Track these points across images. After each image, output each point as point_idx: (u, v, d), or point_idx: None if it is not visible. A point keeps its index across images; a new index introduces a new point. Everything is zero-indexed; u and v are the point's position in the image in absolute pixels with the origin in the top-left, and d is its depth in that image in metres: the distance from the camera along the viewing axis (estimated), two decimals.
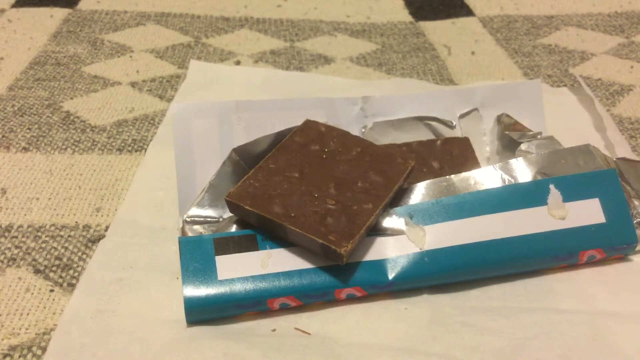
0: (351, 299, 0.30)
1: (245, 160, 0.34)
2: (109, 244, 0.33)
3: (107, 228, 0.34)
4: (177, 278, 0.31)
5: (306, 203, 0.29)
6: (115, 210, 0.36)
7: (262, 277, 0.28)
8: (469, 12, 0.64)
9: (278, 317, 0.29)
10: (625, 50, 0.56)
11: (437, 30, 0.60)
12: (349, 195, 0.29)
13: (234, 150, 0.34)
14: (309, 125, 0.33)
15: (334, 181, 0.30)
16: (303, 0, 0.65)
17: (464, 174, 0.33)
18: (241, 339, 0.27)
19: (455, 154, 0.36)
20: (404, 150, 0.36)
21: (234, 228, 0.31)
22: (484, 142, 0.40)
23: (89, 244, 0.34)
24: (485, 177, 0.33)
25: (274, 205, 0.29)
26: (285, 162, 0.31)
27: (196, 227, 0.32)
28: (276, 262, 0.29)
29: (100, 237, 0.34)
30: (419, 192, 0.32)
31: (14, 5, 0.62)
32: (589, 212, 0.31)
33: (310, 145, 0.32)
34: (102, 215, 0.36)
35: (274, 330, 0.28)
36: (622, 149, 0.38)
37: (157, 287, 0.30)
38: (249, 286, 0.28)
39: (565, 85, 0.49)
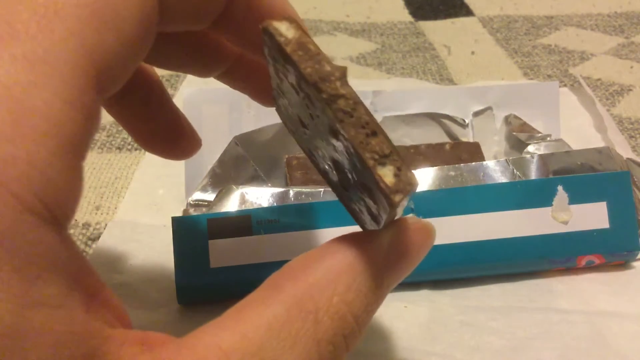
0: None
1: (247, 149, 0.34)
2: (109, 242, 0.33)
3: (106, 226, 0.34)
4: None
5: (318, 153, 0.21)
6: (115, 208, 0.36)
7: (254, 266, 0.28)
8: (468, 12, 0.64)
9: None
10: (625, 50, 0.55)
11: (437, 30, 0.60)
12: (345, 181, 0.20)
13: (236, 138, 0.34)
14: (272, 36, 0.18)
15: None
16: None
17: (474, 164, 0.32)
18: None
19: (464, 159, 0.35)
20: (412, 152, 0.35)
21: (226, 207, 0.31)
22: (495, 142, 0.39)
23: (89, 242, 0.33)
24: (496, 170, 0.32)
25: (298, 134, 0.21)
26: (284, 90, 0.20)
27: (198, 210, 0.32)
28: (269, 249, 0.29)
29: (100, 235, 0.34)
30: (426, 180, 0.32)
31: None
32: (593, 217, 0.30)
33: (288, 75, 0.19)
34: (101, 214, 0.36)
35: None
36: (623, 149, 0.38)
37: (156, 285, 0.30)
38: (241, 276, 0.28)
39: (565, 85, 0.49)
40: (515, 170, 0.33)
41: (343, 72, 0.16)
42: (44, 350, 0.12)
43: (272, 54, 0.18)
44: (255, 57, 0.22)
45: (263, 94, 0.24)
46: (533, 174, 0.33)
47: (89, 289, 0.14)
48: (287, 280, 0.16)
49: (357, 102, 0.16)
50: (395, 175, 0.16)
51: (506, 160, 0.33)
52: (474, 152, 0.36)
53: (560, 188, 0.31)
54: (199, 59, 0.23)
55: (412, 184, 0.16)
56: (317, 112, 0.17)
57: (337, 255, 0.17)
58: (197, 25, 0.19)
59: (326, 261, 0.17)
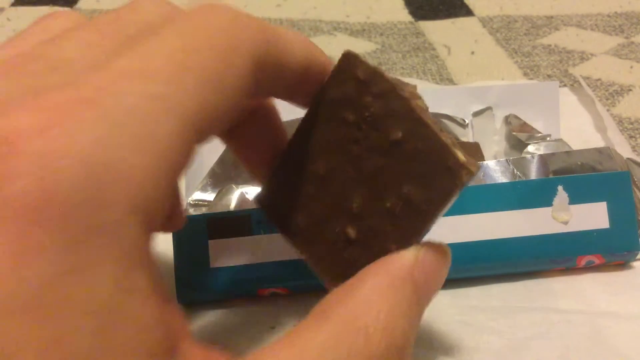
0: None
1: None
2: None
3: None
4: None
5: (325, 225, 0.21)
6: None
7: (254, 266, 0.28)
8: (468, 12, 0.64)
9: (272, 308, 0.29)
10: (625, 50, 0.56)
11: (437, 30, 0.60)
12: (375, 220, 0.20)
13: None
14: (347, 66, 0.21)
15: (361, 186, 0.21)
16: None
17: None
18: (239, 332, 0.27)
19: None
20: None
21: (226, 206, 0.31)
22: (495, 142, 0.39)
23: None
24: (496, 170, 0.32)
25: (294, 218, 0.22)
26: (313, 141, 0.22)
27: (198, 210, 0.32)
28: (269, 249, 0.29)
29: None
30: None
31: (13, 4, 0.62)
32: (593, 217, 0.30)
33: (343, 109, 0.21)
34: None
35: (273, 327, 0.28)
36: (623, 149, 0.38)
37: None
38: (241, 276, 0.28)
39: (565, 85, 0.49)
40: (515, 170, 0.33)
41: (415, 87, 0.21)
42: (134, 331, 0.13)
43: (338, 88, 0.21)
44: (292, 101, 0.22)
45: (257, 162, 0.24)
46: (533, 174, 0.33)
47: (164, 294, 0.15)
48: (334, 305, 0.17)
49: (427, 107, 0.21)
50: (465, 156, 0.19)
51: (506, 160, 0.33)
52: (474, 152, 0.36)
53: (560, 188, 0.31)
54: None
55: (478, 165, 0.20)
56: (373, 131, 0.20)
57: (377, 277, 0.18)
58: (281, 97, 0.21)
59: (368, 283, 0.18)
